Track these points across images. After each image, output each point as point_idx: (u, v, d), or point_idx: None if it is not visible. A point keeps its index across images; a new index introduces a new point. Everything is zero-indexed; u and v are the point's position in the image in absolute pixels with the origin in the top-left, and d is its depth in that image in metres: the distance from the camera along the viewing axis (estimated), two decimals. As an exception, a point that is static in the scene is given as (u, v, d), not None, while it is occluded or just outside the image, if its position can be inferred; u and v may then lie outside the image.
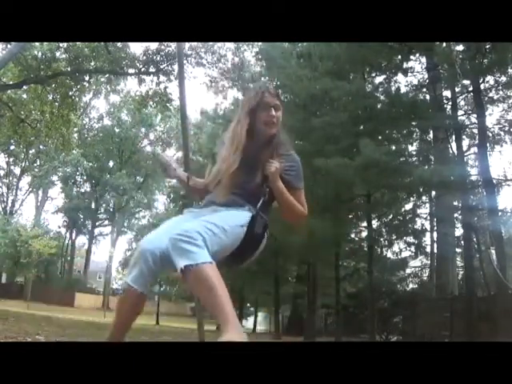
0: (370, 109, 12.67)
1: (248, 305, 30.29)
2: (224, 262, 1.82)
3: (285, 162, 1.99)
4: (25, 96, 17.21)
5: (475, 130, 12.91)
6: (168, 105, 16.86)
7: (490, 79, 12.27)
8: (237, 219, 1.85)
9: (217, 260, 1.68)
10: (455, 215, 14.91)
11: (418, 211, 16.86)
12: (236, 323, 1.58)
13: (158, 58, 15.58)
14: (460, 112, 13.22)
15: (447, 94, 13.44)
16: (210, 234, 1.69)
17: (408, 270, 19.64)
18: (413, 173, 11.27)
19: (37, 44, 14.60)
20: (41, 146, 30.81)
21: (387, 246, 17.39)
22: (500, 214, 12.20)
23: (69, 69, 15.60)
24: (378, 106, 12.86)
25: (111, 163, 44.48)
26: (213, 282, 1.59)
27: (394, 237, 16.30)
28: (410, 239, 16.84)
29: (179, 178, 2.21)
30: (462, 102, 13.59)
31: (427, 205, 17.39)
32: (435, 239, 18.22)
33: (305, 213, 2.04)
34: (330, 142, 11.95)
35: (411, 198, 15.52)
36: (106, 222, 45.78)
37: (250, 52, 21.47)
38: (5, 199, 41.23)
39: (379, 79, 14.02)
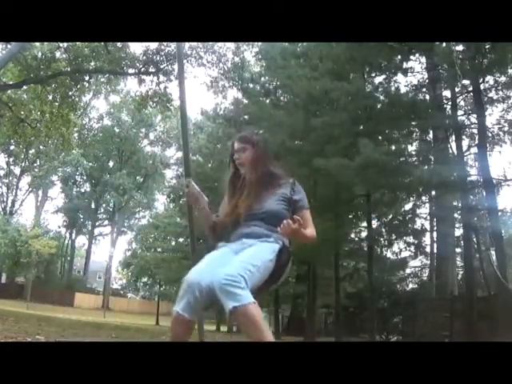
0: (369, 109, 12.65)
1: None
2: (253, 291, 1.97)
3: (289, 190, 2.26)
4: (25, 96, 17.20)
5: (475, 130, 12.88)
6: (168, 105, 16.83)
7: (490, 79, 12.25)
8: (267, 254, 2.05)
9: None
10: (455, 215, 14.89)
11: (418, 211, 16.84)
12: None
13: (158, 58, 15.56)
14: (460, 112, 13.19)
15: (447, 93, 13.43)
16: (249, 273, 1.89)
17: (408, 270, 19.65)
18: (413, 173, 11.24)
19: (37, 44, 14.58)
20: (41, 146, 30.82)
21: (387, 246, 17.39)
22: (500, 213, 12.18)
23: (69, 69, 15.57)
24: (378, 106, 12.84)
25: (111, 163, 44.45)
26: (257, 320, 1.82)
27: (394, 237, 16.29)
28: (410, 239, 16.84)
29: (206, 209, 2.33)
30: (462, 102, 13.56)
31: (427, 205, 17.36)
32: (435, 239, 18.21)
33: (314, 237, 2.26)
34: (330, 142, 11.93)
35: (411, 198, 15.50)
36: (106, 222, 45.76)
37: (249, 52, 21.51)
38: (5, 199, 41.21)
39: (379, 79, 14.00)
